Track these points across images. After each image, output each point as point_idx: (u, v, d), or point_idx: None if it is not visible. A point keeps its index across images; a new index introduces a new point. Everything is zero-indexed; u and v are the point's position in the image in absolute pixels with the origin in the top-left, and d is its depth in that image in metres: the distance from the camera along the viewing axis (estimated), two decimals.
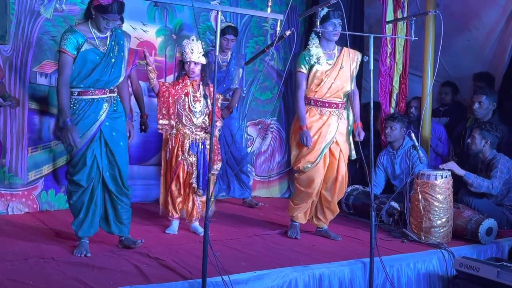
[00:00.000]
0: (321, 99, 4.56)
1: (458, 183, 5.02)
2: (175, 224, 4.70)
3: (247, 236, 4.70)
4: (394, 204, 5.12)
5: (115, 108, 4.03)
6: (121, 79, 4.05)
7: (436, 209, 4.62)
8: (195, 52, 4.52)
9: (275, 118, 6.70)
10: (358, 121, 4.68)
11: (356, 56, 4.60)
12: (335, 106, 4.59)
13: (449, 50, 6.18)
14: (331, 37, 4.52)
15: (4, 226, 4.62)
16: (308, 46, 4.60)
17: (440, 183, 4.64)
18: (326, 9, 4.38)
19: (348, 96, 4.68)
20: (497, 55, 6.20)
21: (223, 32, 5.42)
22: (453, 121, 6.33)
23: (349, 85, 4.58)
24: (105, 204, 4.08)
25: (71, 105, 3.90)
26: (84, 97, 3.92)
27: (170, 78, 5.89)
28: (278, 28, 3.69)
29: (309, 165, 4.57)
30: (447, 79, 6.54)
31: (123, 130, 4.10)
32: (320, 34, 4.54)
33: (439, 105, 6.49)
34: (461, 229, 4.73)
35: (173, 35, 5.96)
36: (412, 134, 4.95)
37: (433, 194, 4.62)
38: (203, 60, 4.60)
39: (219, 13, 3.47)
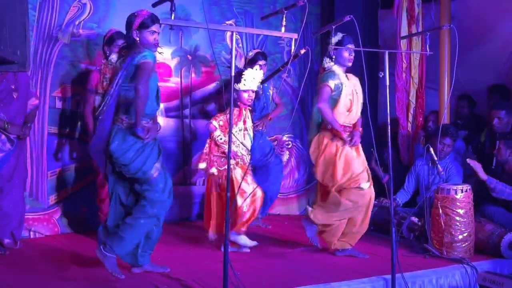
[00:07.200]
0: (349, 124, 4.44)
1: (479, 197, 4.97)
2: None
3: (267, 254, 4.69)
4: (415, 219, 5.08)
5: None
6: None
7: (458, 223, 4.57)
8: (256, 81, 4.68)
9: (292, 135, 6.68)
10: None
11: (357, 81, 4.53)
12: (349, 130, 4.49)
13: (465, 63, 6.14)
14: (346, 63, 4.43)
15: (26, 250, 4.65)
16: (325, 67, 4.46)
17: (461, 197, 4.60)
18: (340, 34, 4.32)
19: None
20: None
21: (255, 60, 5.34)
22: (472, 135, 6.27)
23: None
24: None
25: None
26: None
27: (186, 99, 5.96)
28: (293, 47, 3.72)
29: (368, 183, 4.43)
30: (464, 92, 6.51)
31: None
32: (333, 58, 4.42)
33: (457, 118, 6.45)
34: (482, 243, 4.67)
35: (188, 56, 6.01)
36: (431, 149, 4.92)
37: (454, 209, 4.58)
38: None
39: (234, 33, 3.51)
